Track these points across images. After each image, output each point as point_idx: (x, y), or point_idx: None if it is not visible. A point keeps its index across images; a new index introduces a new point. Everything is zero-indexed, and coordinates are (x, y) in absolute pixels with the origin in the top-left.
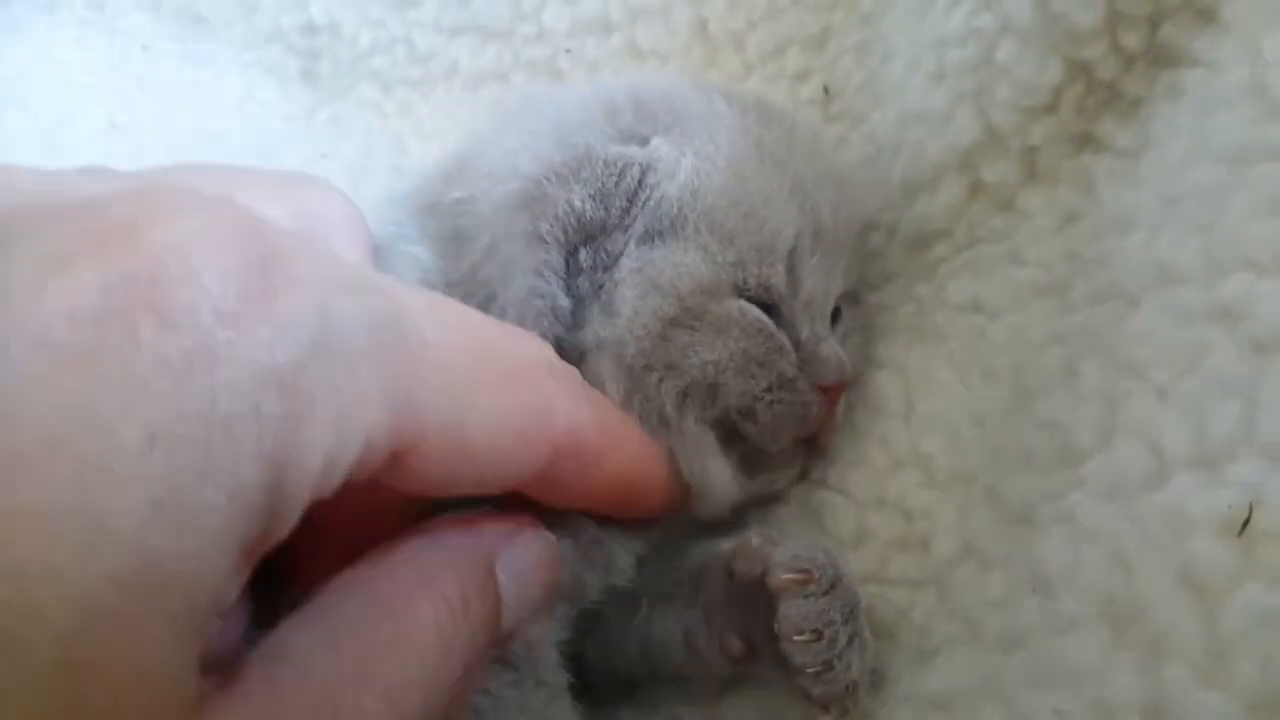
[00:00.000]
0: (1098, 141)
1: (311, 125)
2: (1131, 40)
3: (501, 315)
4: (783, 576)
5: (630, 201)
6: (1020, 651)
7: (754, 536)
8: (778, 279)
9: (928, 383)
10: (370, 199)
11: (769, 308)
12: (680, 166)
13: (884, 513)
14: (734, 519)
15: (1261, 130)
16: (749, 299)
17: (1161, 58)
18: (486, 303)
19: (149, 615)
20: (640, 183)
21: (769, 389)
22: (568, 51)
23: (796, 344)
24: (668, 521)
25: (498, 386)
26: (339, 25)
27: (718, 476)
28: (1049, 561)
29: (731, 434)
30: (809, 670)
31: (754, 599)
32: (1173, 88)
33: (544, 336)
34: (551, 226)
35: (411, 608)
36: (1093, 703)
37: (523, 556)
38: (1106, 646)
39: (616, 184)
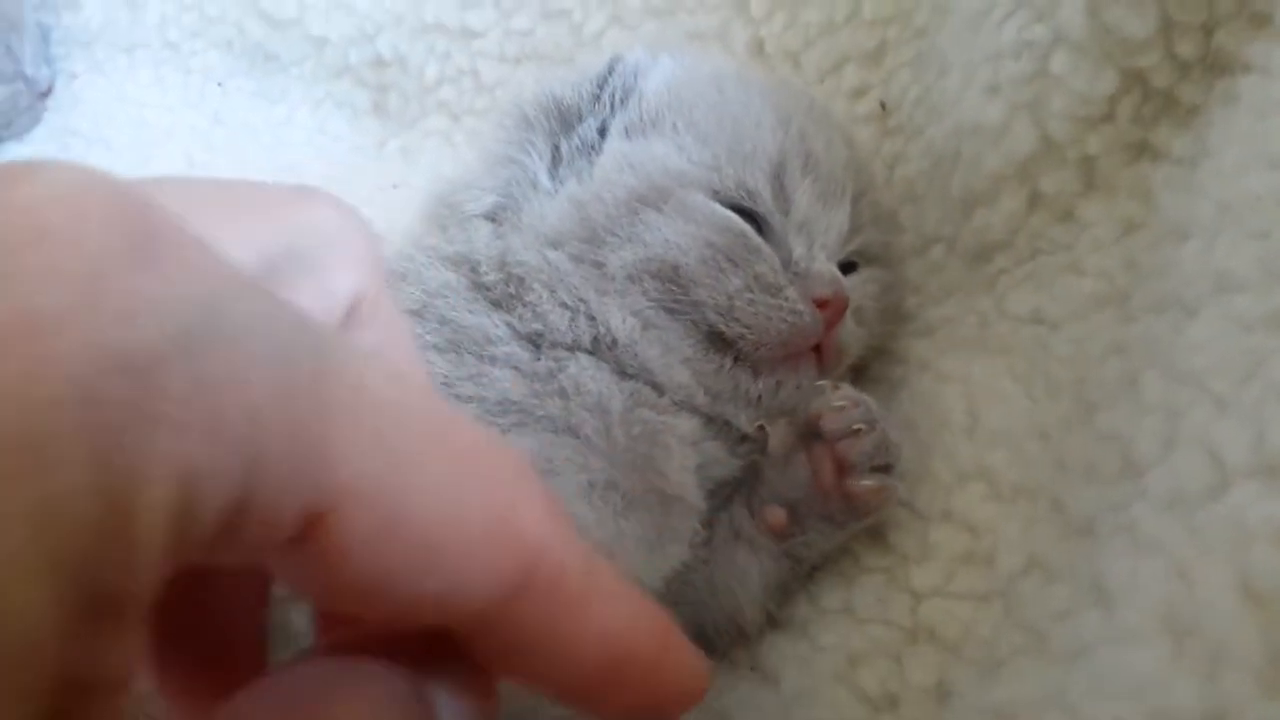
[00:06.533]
0: (1155, 150)
1: (382, 156)
2: (1186, 48)
3: (485, 190)
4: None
5: (600, 87)
6: (1083, 662)
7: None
8: (759, 187)
9: (991, 396)
10: None
11: (754, 220)
12: (657, 65)
13: (949, 527)
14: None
15: None
16: (729, 206)
17: (1216, 64)
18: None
19: None
20: (611, 70)
21: (748, 289)
22: None
23: (788, 261)
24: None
25: (453, 463)
26: (406, 58)
27: (652, 346)
28: (1110, 573)
29: (718, 339)
30: (848, 443)
31: (790, 465)
32: (1228, 94)
33: (518, 205)
34: (535, 111)
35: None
36: (1154, 713)
37: (456, 698)
38: (1167, 657)
39: (591, 75)
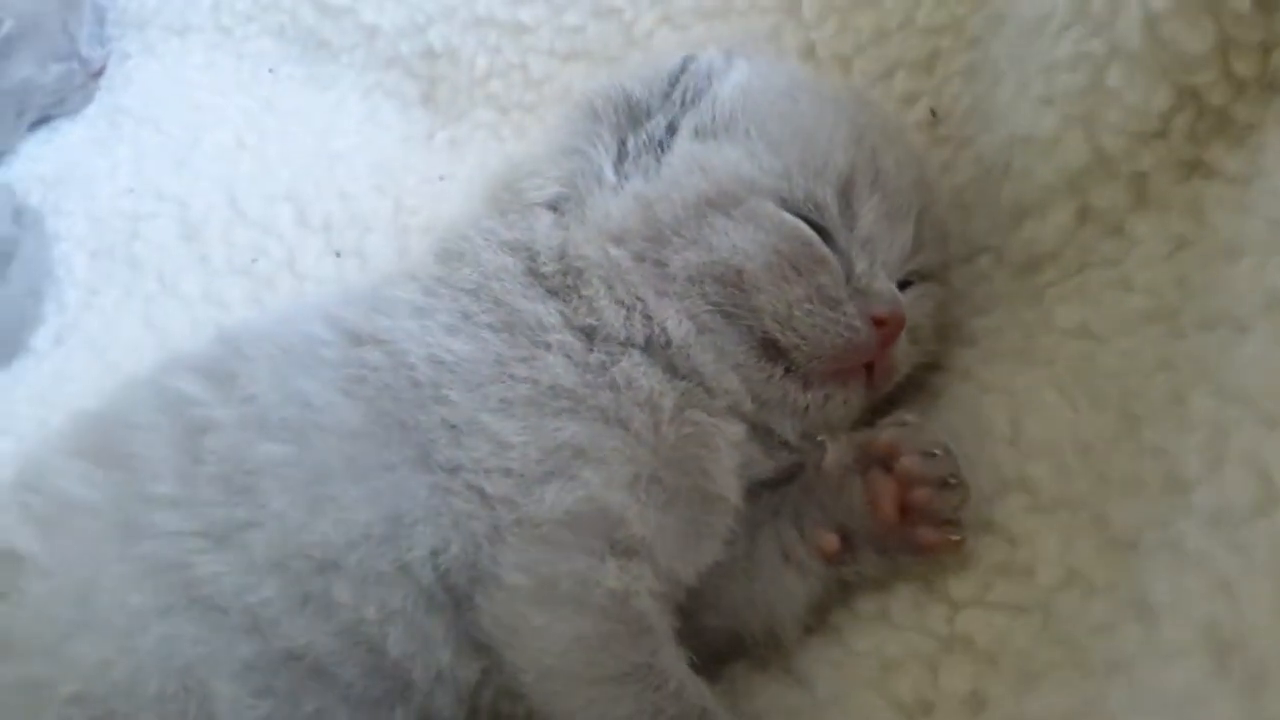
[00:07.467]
0: (1208, 167)
1: (430, 147)
2: (1243, 66)
3: (549, 180)
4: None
5: (671, 85)
6: (1122, 678)
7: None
8: (827, 201)
9: (1035, 407)
10: None
11: (819, 232)
12: (733, 68)
13: (989, 537)
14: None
15: None
16: (797, 215)
17: (1274, 84)
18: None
19: None
20: (683, 69)
21: (808, 299)
22: None
23: (850, 276)
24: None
25: None
26: (457, 51)
27: (705, 351)
28: (1153, 588)
29: (772, 347)
30: (931, 493)
31: (844, 489)
32: None
33: (581, 197)
34: (604, 103)
35: None
36: None
37: None
38: (1209, 673)
39: (663, 72)
